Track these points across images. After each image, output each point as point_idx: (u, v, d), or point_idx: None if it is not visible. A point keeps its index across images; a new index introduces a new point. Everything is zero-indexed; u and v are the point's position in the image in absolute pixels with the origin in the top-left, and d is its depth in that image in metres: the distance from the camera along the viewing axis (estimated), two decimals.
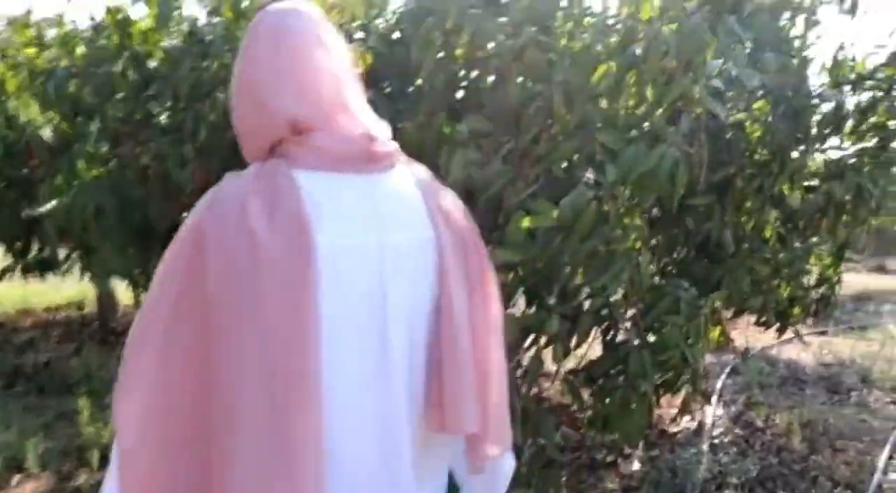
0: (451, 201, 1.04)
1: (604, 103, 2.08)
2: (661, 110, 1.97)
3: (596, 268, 2.02)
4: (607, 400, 2.40)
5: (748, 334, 5.50)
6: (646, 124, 1.97)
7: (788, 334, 3.78)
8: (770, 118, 2.46)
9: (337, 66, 0.98)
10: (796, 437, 3.85)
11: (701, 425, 3.92)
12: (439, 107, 2.28)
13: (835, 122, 2.59)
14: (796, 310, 3.71)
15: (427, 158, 2.25)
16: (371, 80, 2.37)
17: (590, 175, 1.93)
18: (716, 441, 3.75)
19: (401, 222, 0.95)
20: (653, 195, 1.99)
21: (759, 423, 4.09)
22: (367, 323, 0.91)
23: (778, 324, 3.70)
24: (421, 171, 1.05)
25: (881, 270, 11.40)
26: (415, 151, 2.28)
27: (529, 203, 2.00)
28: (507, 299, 2.36)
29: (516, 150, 2.06)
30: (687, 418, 3.95)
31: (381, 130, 1.00)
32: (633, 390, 2.39)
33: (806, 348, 5.67)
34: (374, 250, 0.92)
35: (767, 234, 3.11)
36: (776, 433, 3.95)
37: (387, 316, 0.92)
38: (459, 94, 2.37)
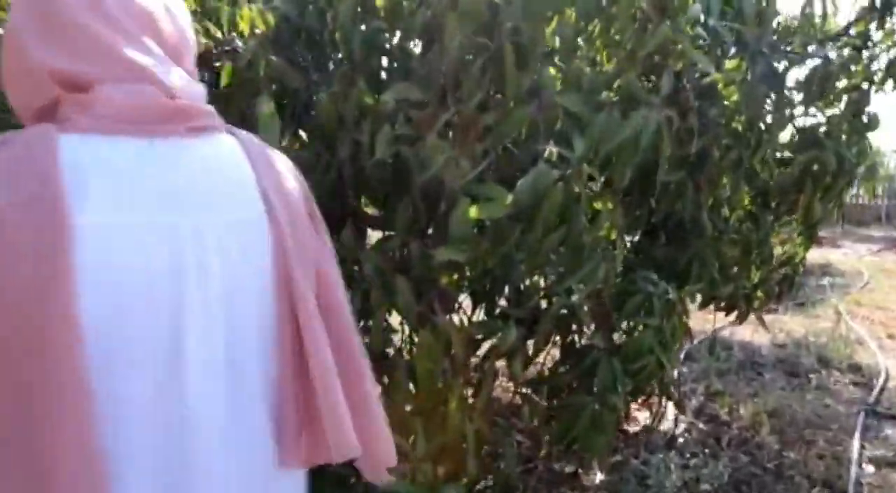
0: (285, 171, 0.90)
1: (564, 59, 1.68)
2: (634, 67, 1.57)
3: (564, 265, 1.63)
4: (573, 418, 2.02)
5: (695, 315, 5.24)
6: (617, 84, 1.57)
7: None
8: (749, 79, 2.09)
9: (148, 19, 0.82)
10: (764, 429, 3.58)
11: (662, 420, 3.60)
12: (359, 72, 1.84)
13: (819, 84, 2.24)
14: (759, 293, 3.42)
15: (346, 134, 1.81)
16: (278, 47, 1.92)
17: (552, 149, 1.53)
18: (681, 439, 3.45)
19: (216, 199, 0.80)
20: (628, 172, 1.59)
21: (724, 416, 3.80)
22: (154, 323, 0.75)
23: (739, 309, 3.41)
24: (247, 137, 0.89)
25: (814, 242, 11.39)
26: (332, 126, 1.85)
27: (476, 187, 1.59)
28: (450, 304, 1.95)
29: (457, 122, 1.64)
30: (646, 414, 3.65)
31: (194, 91, 0.84)
32: (602, 404, 2.01)
33: (758, 329, 5.44)
34: (167, 232, 0.75)
35: (737, 213, 2.78)
36: (743, 426, 3.67)
37: (183, 314, 0.76)
38: (384, 59, 1.94)
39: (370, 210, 1.94)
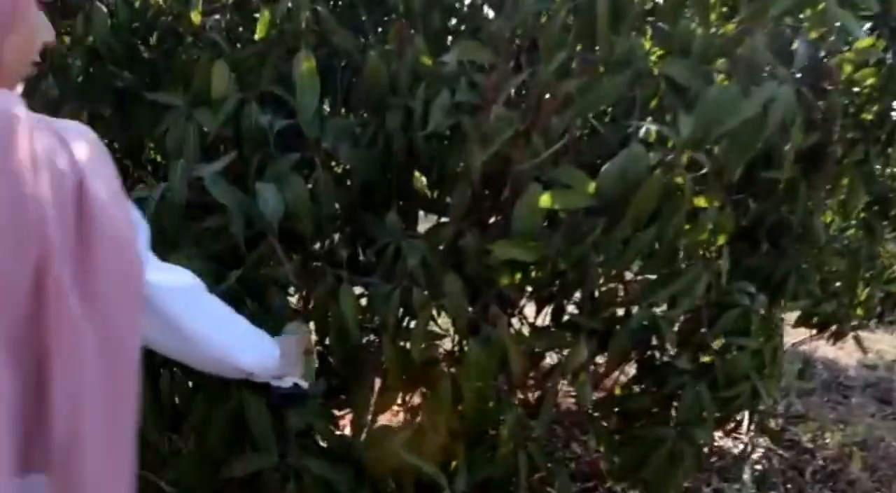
0: (67, 137, 0.74)
1: (669, 18, 1.35)
2: (761, 29, 1.24)
3: (654, 273, 1.31)
4: (648, 453, 1.70)
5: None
6: (739, 51, 1.24)
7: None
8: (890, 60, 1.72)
9: None
10: (855, 463, 3.18)
11: (750, 452, 3.23)
12: (417, 28, 1.55)
13: None
14: (859, 311, 3.02)
15: (397, 100, 1.52)
16: None
17: (650, 127, 1.21)
18: (758, 466, 3.08)
19: None
20: (743, 161, 1.26)
21: (807, 443, 3.41)
22: None
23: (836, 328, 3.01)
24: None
25: None
26: (381, 90, 1.56)
27: (550, 171, 1.28)
28: (508, 309, 1.66)
29: (530, 88, 1.33)
30: (718, 433, 3.29)
31: None
32: (685, 440, 1.68)
33: (843, 345, 4.98)
34: None
35: (849, 220, 2.40)
36: (829, 457, 3.27)
37: None
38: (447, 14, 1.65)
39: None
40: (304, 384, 1.26)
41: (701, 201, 1.25)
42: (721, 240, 1.35)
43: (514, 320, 1.74)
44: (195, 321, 0.99)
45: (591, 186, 1.25)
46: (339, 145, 1.49)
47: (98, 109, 1.75)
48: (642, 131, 1.26)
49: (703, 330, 1.71)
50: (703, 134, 1.22)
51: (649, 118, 1.30)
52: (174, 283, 0.97)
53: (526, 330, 1.70)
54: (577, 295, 1.73)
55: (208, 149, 1.55)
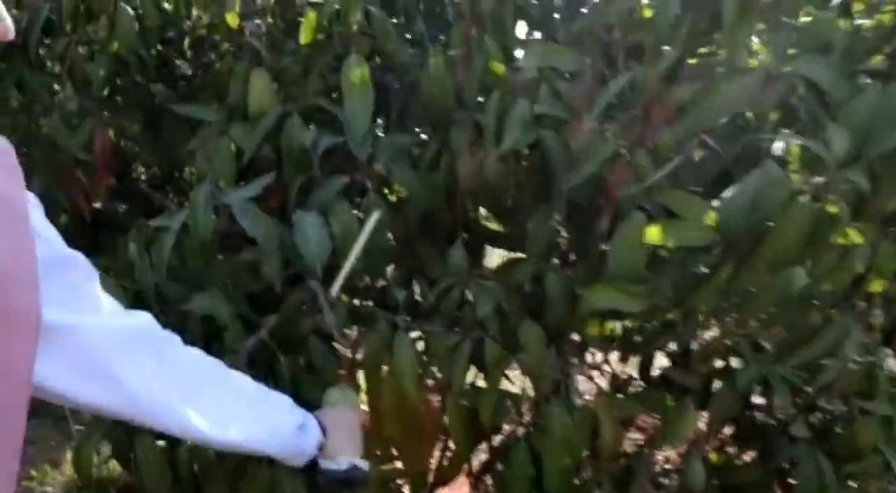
0: None
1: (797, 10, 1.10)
2: None
3: (785, 326, 1.05)
4: None
5: None
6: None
7: None
8: None
9: None
10: None
11: None
12: (487, 29, 1.32)
13: None
14: None
15: (464, 114, 1.28)
16: None
17: (793, 142, 0.96)
18: None
19: None
20: None
21: None
22: None
23: None
24: None
25: None
26: (444, 103, 1.31)
27: (660, 196, 1.03)
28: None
29: (630, 97, 1.08)
30: None
31: None
32: None
33: None
34: None
35: None
36: None
37: None
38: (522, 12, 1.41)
39: (491, 225, 1.40)
40: (365, 465, 1.02)
41: (854, 236, 0.98)
42: (877, 285, 1.08)
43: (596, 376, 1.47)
44: (135, 375, 0.78)
45: (712, 217, 0.99)
46: (395, 167, 1.26)
47: (125, 126, 1.55)
48: (776, 147, 1.00)
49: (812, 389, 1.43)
50: (857, 150, 0.96)
51: (780, 130, 1.04)
52: (110, 326, 0.77)
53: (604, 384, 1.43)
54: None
55: (245, 171, 1.34)
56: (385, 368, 1.20)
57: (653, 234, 1.01)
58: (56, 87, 1.52)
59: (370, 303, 1.37)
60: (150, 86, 1.54)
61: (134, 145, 1.69)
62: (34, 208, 0.72)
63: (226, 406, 0.87)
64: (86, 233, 1.56)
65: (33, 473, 2.40)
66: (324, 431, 1.00)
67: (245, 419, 0.89)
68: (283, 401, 0.97)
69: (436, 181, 1.27)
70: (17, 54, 1.51)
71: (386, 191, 1.35)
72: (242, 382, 0.93)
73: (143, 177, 1.86)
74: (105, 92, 1.53)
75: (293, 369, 1.09)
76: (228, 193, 1.14)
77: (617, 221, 1.06)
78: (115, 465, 1.70)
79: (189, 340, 0.89)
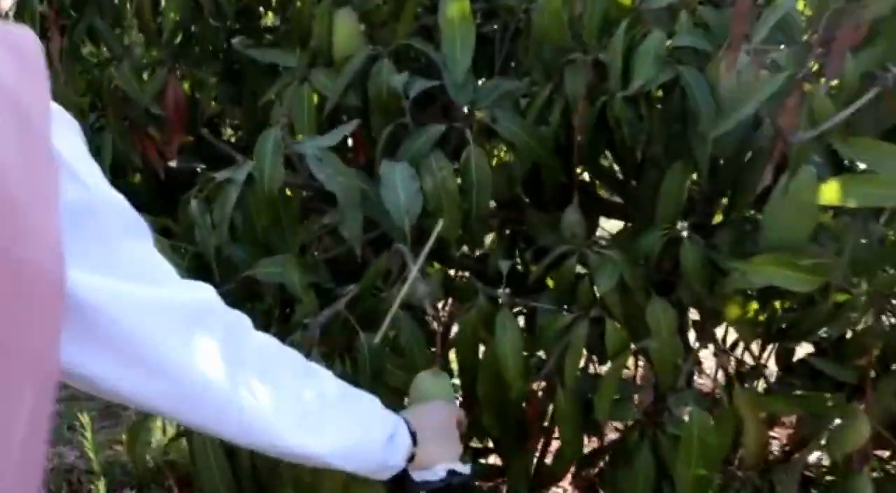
0: None
1: None
2: None
3: None
4: None
5: None
6: None
7: None
8: None
9: None
10: None
11: None
12: None
13: None
14: None
15: (580, 52, 1.08)
16: None
17: None
18: None
19: None
20: None
21: None
22: None
23: None
24: None
25: None
26: (557, 37, 1.04)
27: (839, 143, 0.81)
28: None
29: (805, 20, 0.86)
30: None
31: None
32: None
33: None
34: None
35: None
36: None
37: None
38: None
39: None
40: (465, 469, 0.84)
41: None
42: None
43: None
44: (191, 361, 0.61)
45: None
46: (499, 115, 1.07)
47: (201, 76, 1.42)
48: None
49: None
50: None
51: None
52: (161, 298, 0.60)
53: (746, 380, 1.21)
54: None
55: (330, 121, 1.19)
56: (483, 349, 1.02)
57: (830, 192, 0.79)
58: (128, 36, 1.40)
59: (467, 274, 1.19)
60: (228, 35, 1.40)
61: (214, 101, 1.56)
62: (65, 129, 0.55)
63: (305, 409, 0.71)
64: (161, 194, 1.45)
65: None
66: (413, 436, 0.82)
67: (327, 427, 0.72)
68: (373, 406, 0.80)
69: (547, 132, 1.07)
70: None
71: (489, 142, 1.17)
72: (326, 380, 0.76)
73: (230, 137, 1.74)
74: (178, 40, 1.40)
75: (374, 348, 0.92)
76: (303, 142, 0.97)
77: (778, 177, 0.85)
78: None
79: (252, 312, 0.73)
